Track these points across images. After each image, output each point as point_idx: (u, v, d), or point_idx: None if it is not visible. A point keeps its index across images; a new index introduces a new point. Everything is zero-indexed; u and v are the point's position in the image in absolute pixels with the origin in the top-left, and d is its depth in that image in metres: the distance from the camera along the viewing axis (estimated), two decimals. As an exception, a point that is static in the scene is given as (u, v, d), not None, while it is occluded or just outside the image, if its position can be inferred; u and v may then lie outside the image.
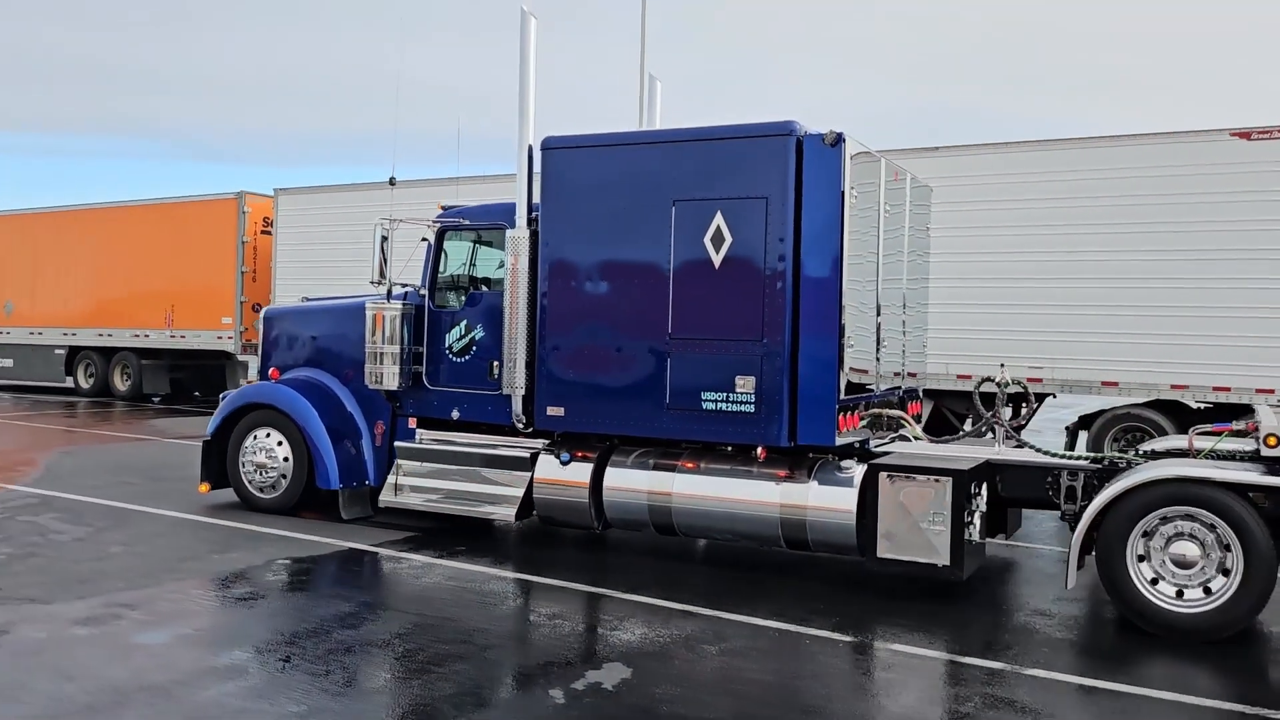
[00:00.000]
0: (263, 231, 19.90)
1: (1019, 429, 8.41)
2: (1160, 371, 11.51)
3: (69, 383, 23.37)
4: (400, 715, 5.08)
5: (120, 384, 22.43)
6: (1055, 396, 12.55)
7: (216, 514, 9.66)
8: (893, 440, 8.63)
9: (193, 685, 5.32)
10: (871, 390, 8.22)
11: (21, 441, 15.20)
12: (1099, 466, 7.45)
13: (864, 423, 8.29)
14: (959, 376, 12.41)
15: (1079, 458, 7.72)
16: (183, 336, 21.02)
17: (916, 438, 8.57)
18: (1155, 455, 7.43)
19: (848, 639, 6.51)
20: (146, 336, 21.57)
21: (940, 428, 12.63)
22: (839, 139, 7.50)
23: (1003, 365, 8.47)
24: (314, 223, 18.43)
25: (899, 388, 8.94)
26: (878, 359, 8.31)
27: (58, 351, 23.16)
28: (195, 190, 21.57)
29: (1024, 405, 8.42)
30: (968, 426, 12.98)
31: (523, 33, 8.72)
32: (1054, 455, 7.74)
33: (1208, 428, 7.48)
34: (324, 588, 7.50)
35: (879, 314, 8.29)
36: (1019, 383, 8.29)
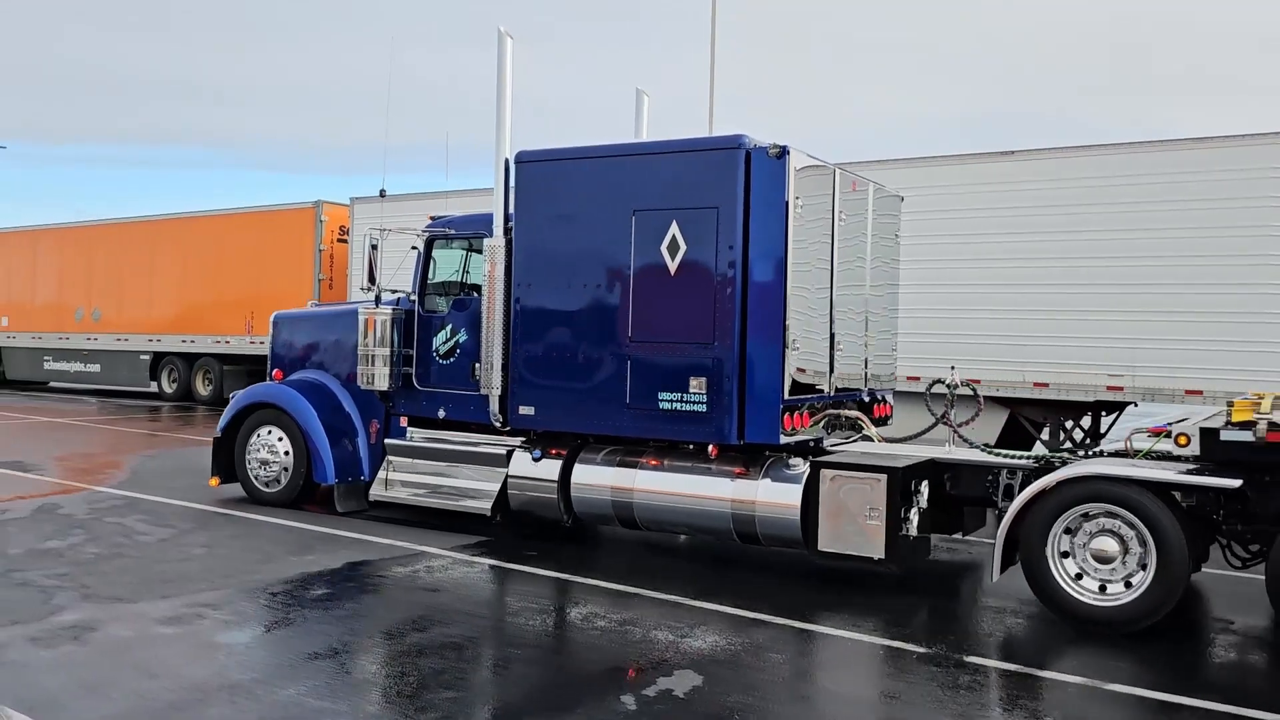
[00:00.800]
0: (339, 239, 20.63)
1: (1099, 436, 8.61)
2: (1242, 380, 11.08)
3: (153, 387, 24.29)
4: (472, 718, 5.16)
5: (202, 389, 23.29)
6: (1136, 405, 12.57)
7: (294, 517, 9.87)
8: (855, 440, 8.97)
9: (272, 684, 5.41)
10: (822, 392, 8.54)
11: (108, 445, 15.85)
12: (1037, 465, 7.71)
13: (821, 423, 8.64)
14: (1035, 384, 12.39)
15: (1020, 457, 7.97)
16: (262, 343, 21.83)
17: (873, 438, 8.88)
18: (1099, 456, 7.67)
19: (921, 649, 6.42)
20: (227, 343, 22.37)
21: (1016, 437, 12.67)
22: (783, 151, 7.88)
23: (953, 368, 8.75)
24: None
25: (859, 390, 9.23)
26: (831, 362, 8.64)
27: (143, 357, 24.06)
28: (273, 200, 22.32)
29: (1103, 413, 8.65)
30: (1044, 435, 13.21)
31: (500, 52, 9.22)
32: (996, 454, 8.02)
33: (1147, 428, 7.70)
34: (398, 591, 7.55)
35: (833, 319, 8.62)
36: (968, 385, 8.57)
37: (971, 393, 8.68)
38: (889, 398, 9.89)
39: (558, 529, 9.27)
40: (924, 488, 7.86)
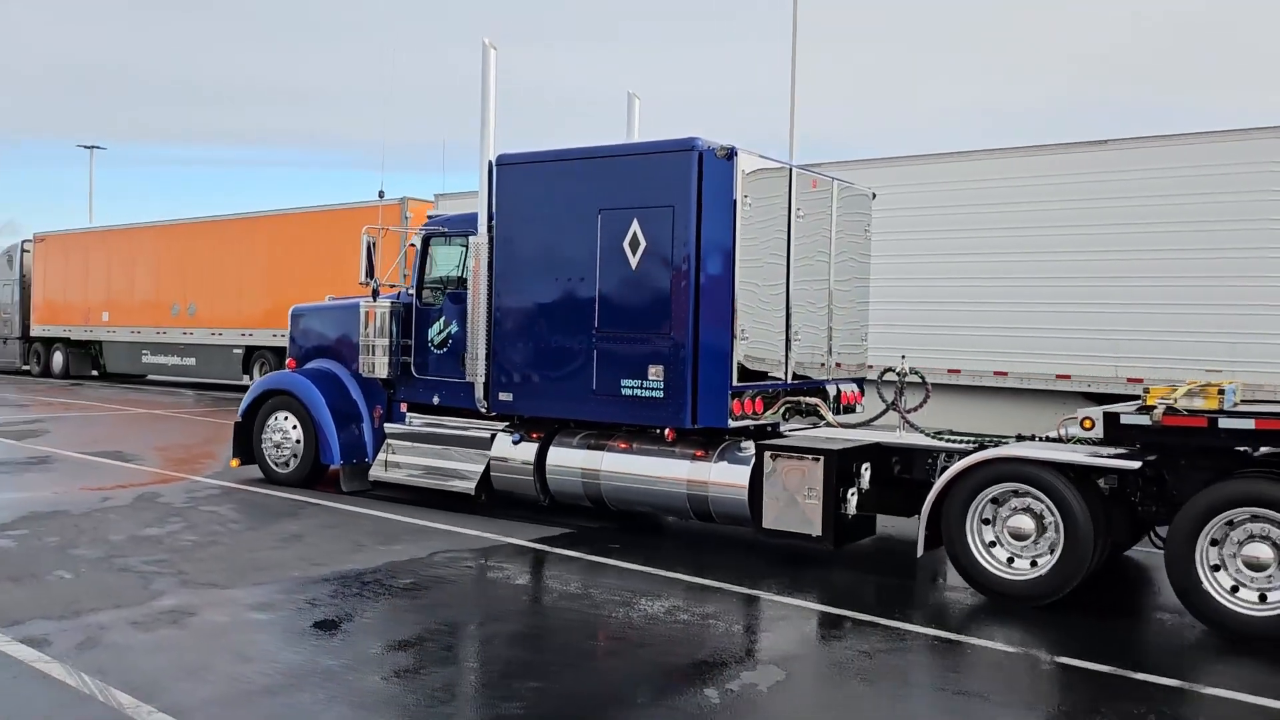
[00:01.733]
0: None
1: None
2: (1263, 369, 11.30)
3: (246, 380, 25.04)
4: (557, 709, 5.18)
5: None
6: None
7: (382, 508, 10.08)
8: (818, 426, 9.44)
9: (361, 671, 5.53)
10: (777, 379, 9.03)
11: (204, 436, 16.41)
12: (975, 448, 8.11)
13: (783, 409, 9.14)
14: (1129, 380, 12.37)
15: (961, 441, 8.36)
16: None
17: (831, 424, 9.34)
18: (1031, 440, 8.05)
19: (1010, 649, 6.36)
20: None
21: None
22: (731, 153, 8.39)
23: (903, 357, 9.17)
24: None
25: (823, 379, 9.69)
26: (787, 352, 9.12)
27: (235, 351, 24.96)
28: (359, 196, 22.87)
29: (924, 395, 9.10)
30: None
31: (484, 63, 9.85)
32: (938, 438, 8.43)
33: (1079, 414, 8.04)
34: (484, 581, 7.68)
35: (789, 311, 9.10)
36: (917, 373, 9.00)
37: (920, 380, 9.10)
38: (854, 387, 10.27)
39: (641, 523, 9.51)
40: (865, 470, 8.30)
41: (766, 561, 8.47)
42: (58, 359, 30.14)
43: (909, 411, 8.96)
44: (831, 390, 9.80)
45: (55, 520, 9.23)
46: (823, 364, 9.71)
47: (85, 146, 54.87)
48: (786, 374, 9.16)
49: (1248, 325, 11.48)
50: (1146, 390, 7.38)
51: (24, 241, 31.59)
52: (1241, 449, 6.88)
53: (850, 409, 10.06)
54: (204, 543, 8.52)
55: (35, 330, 30.66)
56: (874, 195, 10.49)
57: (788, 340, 9.13)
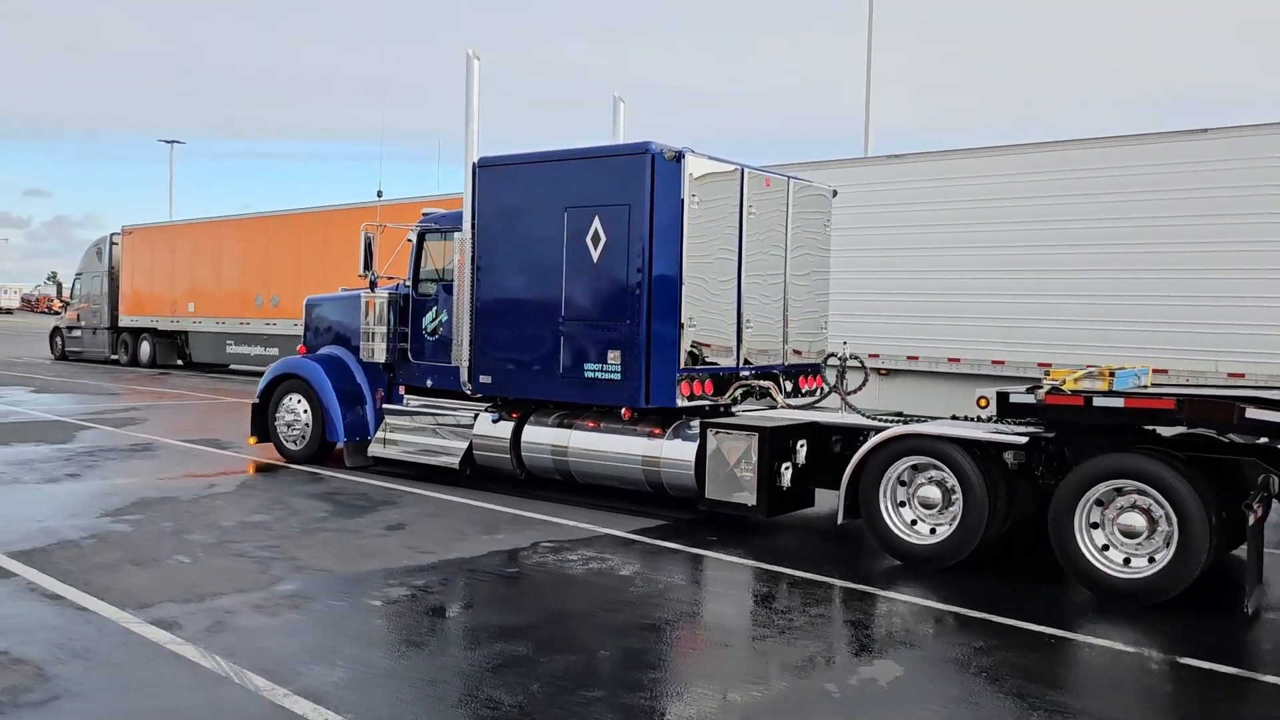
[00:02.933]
0: None
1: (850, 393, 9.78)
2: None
3: None
4: (677, 700, 5.19)
5: None
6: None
7: (480, 497, 10.15)
8: (775, 408, 10.19)
9: (482, 656, 5.67)
10: (728, 364, 9.80)
11: None
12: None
13: (738, 391, 9.93)
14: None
15: (890, 421, 9.06)
16: None
17: (778, 405, 10.10)
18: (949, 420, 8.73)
19: (1131, 649, 6.19)
20: None
21: None
22: (679, 155, 9.18)
23: (845, 343, 9.89)
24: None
25: (774, 364, 10.43)
26: (739, 339, 9.88)
27: None
28: (436, 189, 23.45)
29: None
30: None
31: (467, 73, 10.73)
32: (867, 417, 9.15)
33: (977, 394, 8.67)
34: (589, 572, 7.69)
35: (740, 301, 9.86)
36: (856, 358, 9.73)
37: (859, 364, 9.82)
38: (813, 372, 10.99)
39: (735, 517, 9.32)
40: (800, 446, 9.04)
41: (869, 556, 8.42)
42: (145, 349, 30.88)
43: (849, 394, 9.68)
44: (791, 375, 10.54)
45: (166, 506, 9.53)
46: (777, 350, 10.45)
47: (165, 141, 57.06)
48: (738, 359, 9.93)
49: (1181, 316, 12.00)
50: (1047, 373, 8.05)
51: (112, 234, 32.39)
52: (1149, 428, 7.53)
53: (811, 393, 10.79)
54: (310, 529, 8.72)
55: (123, 321, 31.41)
56: (835, 193, 11.19)
57: (739, 328, 9.90)
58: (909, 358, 13.79)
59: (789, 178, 10.51)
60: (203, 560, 7.59)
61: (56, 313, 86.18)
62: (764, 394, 10.19)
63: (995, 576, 7.79)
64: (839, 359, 9.83)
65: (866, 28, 27.47)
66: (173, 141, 57.52)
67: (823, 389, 10.59)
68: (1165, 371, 11.43)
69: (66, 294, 35.35)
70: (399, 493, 10.34)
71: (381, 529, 8.82)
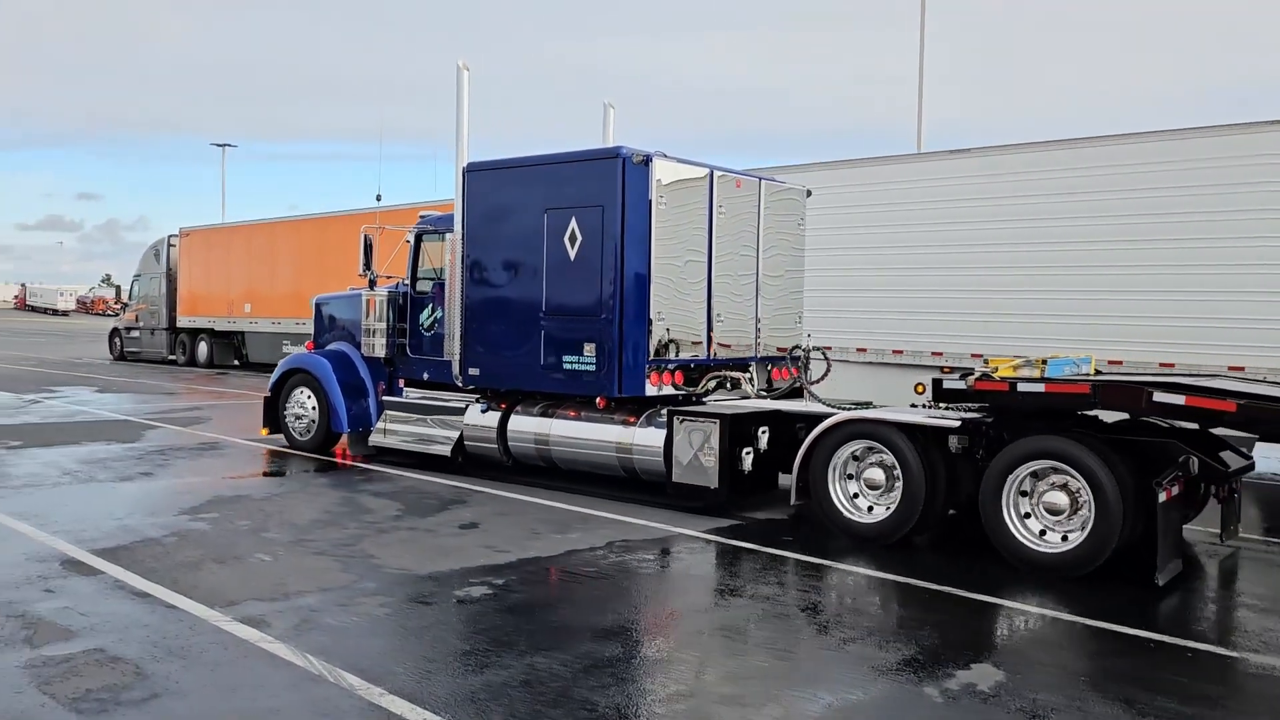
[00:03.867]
0: None
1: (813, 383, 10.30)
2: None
3: None
4: (778, 701, 5.07)
5: None
6: None
7: (552, 496, 10.14)
8: (746, 398, 10.73)
9: (571, 658, 5.57)
10: (698, 356, 10.36)
11: None
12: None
13: (711, 382, 10.49)
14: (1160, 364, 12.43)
15: (845, 408, 9.56)
16: None
17: (750, 395, 10.64)
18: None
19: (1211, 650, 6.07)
20: None
21: None
22: (647, 159, 9.75)
23: (809, 335, 10.41)
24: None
25: (751, 356, 10.97)
26: (709, 332, 10.44)
27: None
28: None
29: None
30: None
31: (458, 83, 11.37)
32: (828, 405, 9.65)
33: (915, 382, 9.18)
34: (669, 571, 7.75)
35: (710, 297, 10.41)
36: (819, 350, 10.26)
37: (821, 356, 10.34)
38: (788, 363, 11.49)
39: (803, 517, 9.47)
40: (762, 433, 9.57)
41: (935, 554, 8.41)
42: (203, 349, 31.23)
43: (812, 384, 10.20)
44: (765, 367, 11.08)
45: (240, 504, 9.60)
46: (749, 344, 10.99)
47: (217, 145, 57.81)
48: (709, 351, 10.48)
49: (1119, 308, 12.43)
50: (986, 362, 8.52)
51: (170, 236, 32.64)
52: (1089, 414, 7.97)
53: (784, 384, 11.30)
54: (385, 528, 8.70)
55: (181, 322, 31.74)
56: (809, 193, 11.71)
57: (709, 322, 10.45)
58: (858, 349, 14.34)
59: (760, 179, 11.05)
60: (283, 558, 7.60)
61: (111, 314, 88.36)
62: (735, 385, 10.73)
63: (1136, 588, 7.43)
64: (802, 350, 10.36)
65: (919, 24, 27.93)
66: (224, 145, 58.06)
67: (794, 379, 11.10)
68: (1120, 362, 11.83)
69: (125, 295, 35.78)
70: (468, 491, 10.39)
71: (455, 528, 8.80)
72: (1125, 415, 7.98)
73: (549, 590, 7.11)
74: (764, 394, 10.94)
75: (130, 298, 34.96)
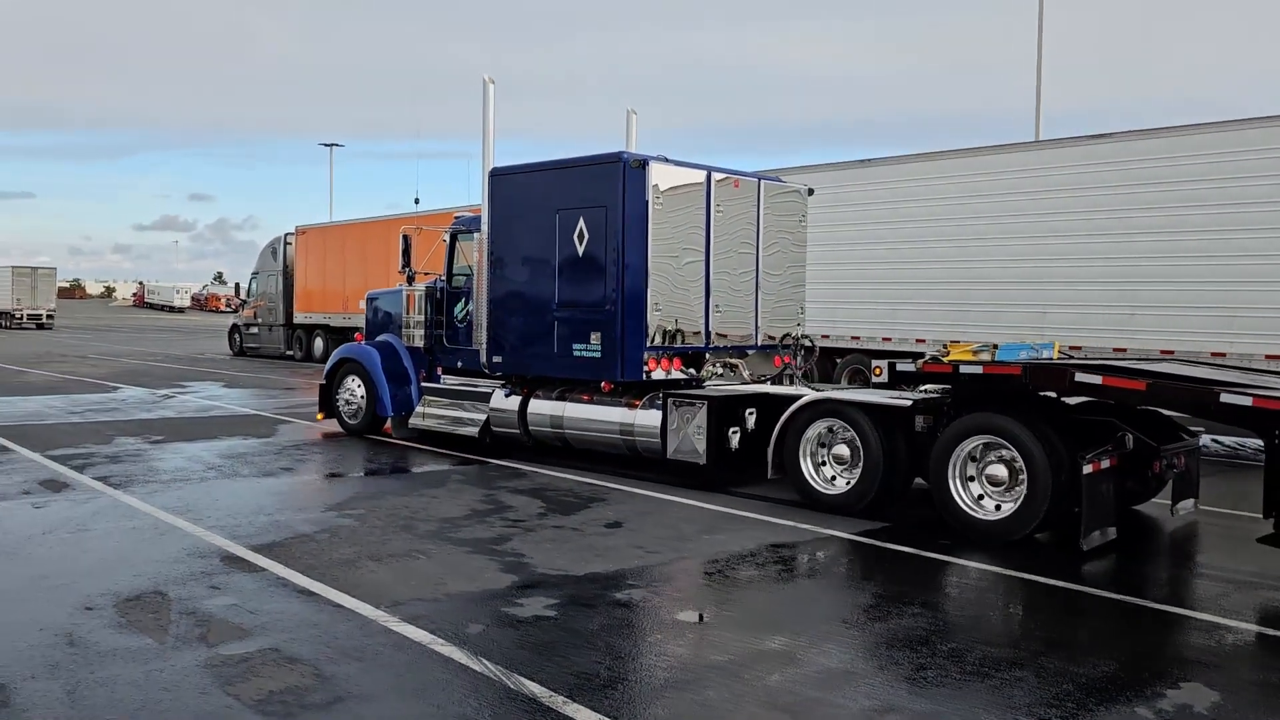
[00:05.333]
0: None
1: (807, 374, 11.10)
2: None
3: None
4: (982, 714, 4.84)
5: None
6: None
7: (685, 494, 9.99)
8: (744, 383, 11.58)
9: (752, 667, 5.34)
10: (698, 345, 11.24)
11: None
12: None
13: (717, 369, 11.39)
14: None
15: (825, 390, 10.34)
16: None
17: (746, 380, 11.48)
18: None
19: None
20: None
21: None
22: (643, 163, 10.66)
23: (799, 325, 11.19)
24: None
25: (748, 345, 11.81)
26: (707, 322, 11.30)
27: None
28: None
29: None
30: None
31: (484, 95, 12.42)
32: (811, 388, 10.45)
33: (874, 364, 9.88)
34: (830, 576, 7.61)
35: (708, 289, 11.27)
36: (808, 338, 11.05)
37: (809, 344, 11.13)
38: (788, 351, 12.29)
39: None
40: (749, 414, 10.41)
41: (1150, 569, 8.09)
42: (318, 344, 31.44)
43: (800, 370, 11.01)
44: (766, 355, 11.91)
45: (383, 500, 9.62)
46: (749, 333, 11.83)
47: (325, 144, 59.22)
48: (707, 340, 11.35)
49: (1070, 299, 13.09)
50: (944, 347, 9.24)
51: (286, 234, 33.12)
52: (1048, 394, 8.64)
53: (782, 370, 12.11)
54: (532, 526, 8.62)
55: (297, 318, 32.20)
56: (811, 191, 12.48)
57: (707, 313, 11.32)
58: (822, 336, 15.15)
59: (760, 179, 11.86)
60: (437, 557, 7.54)
61: (224, 312, 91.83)
62: (735, 370, 11.59)
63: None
64: (793, 339, 11.17)
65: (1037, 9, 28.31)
66: (332, 144, 59.08)
67: (793, 366, 11.89)
68: (1079, 348, 12.43)
69: (243, 293, 36.43)
70: (604, 489, 10.31)
71: (601, 527, 8.68)
72: (1087, 399, 8.64)
73: (712, 595, 6.88)
74: (763, 379, 11.76)
75: (249, 295, 35.61)
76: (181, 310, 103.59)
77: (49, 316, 58.36)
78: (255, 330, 34.58)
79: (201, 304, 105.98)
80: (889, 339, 15.05)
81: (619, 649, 5.67)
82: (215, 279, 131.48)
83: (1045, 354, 9.68)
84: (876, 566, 7.81)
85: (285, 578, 6.89)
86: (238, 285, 39.82)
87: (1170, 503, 9.03)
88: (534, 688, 5.00)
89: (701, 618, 6.28)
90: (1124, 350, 13.52)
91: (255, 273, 34.96)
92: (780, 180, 12.18)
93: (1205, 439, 9.30)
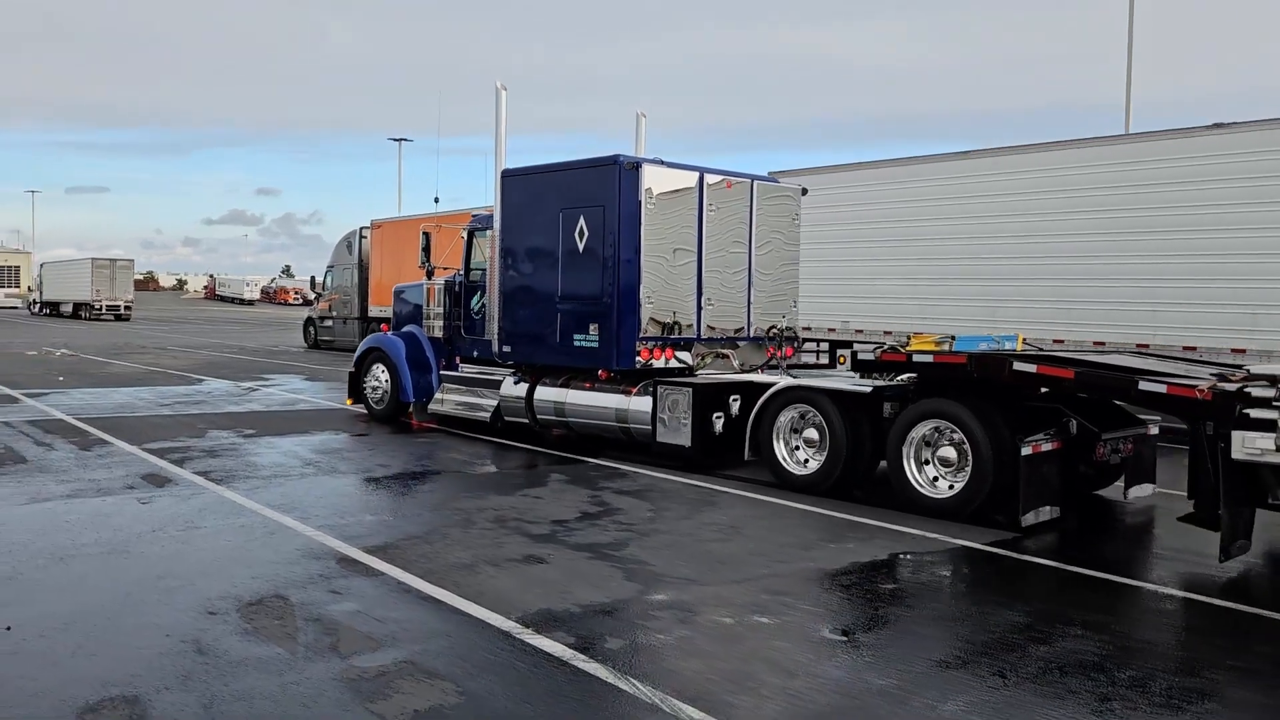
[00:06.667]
0: None
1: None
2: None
3: None
4: None
5: None
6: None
7: (794, 498, 9.67)
8: (734, 372, 12.28)
9: (920, 693, 5.01)
10: (690, 336, 11.96)
11: None
12: (811, 385, 10.76)
13: (705, 357, 12.10)
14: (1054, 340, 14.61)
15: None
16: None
17: (738, 369, 12.18)
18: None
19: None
20: None
21: None
22: (637, 165, 11.40)
23: (784, 316, 11.86)
24: (827, 202, 17.38)
25: (740, 336, 12.50)
26: (699, 314, 12.02)
27: None
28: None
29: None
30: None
31: (497, 100, 13.24)
32: (790, 375, 11.11)
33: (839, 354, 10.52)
34: (975, 590, 7.23)
35: (700, 283, 11.99)
36: (791, 329, 11.73)
37: (794, 335, 11.81)
38: (787, 342, 12.98)
39: (1091, 525, 9.04)
40: (734, 400, 11.11)
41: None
42: None
43: (784, 359, 11.69)
44: (761, 345, 12.61)
45: (488, 499, 9.48)
46: (742, 326, 12.52)
47: (394, 139, 59.66)
48: (699, 330, 12.07)
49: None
50: (908, 338, 9.87)
51: (361, 228, 33.13)
52: (997, 382, 9.22)
53: (775, 359, 12.79)
54: (645, 531, 8.33)
55: (373, 311, 31.68)
56: (805, 191, 13.13)
57: (699, 306, 12.03)
58: (804, 328, 15.73)
59: (752, 179, 12.54)
60: (558, 562, 7.27)
61: (292, 304, 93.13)
62: (726, 360, 12.29)
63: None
64: (778, 330, 11.85)
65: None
66: (401, 139, 59.54)
67: (778, 356, 12.56)
68: (1061, 341, 12.90)
69: (318, 286, 36.37)
70: (712, 492, 10.04)
71: (716, 532, 8.35)
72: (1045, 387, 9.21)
73: (857, 610, 6.47)
74: (754, 368, 12.44)
75: (324, 288, 35.57)
76: (251, 303, 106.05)
77: (127, 308, 60.33)
78: (330, 323, 34.62)
79: (271, 296, 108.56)
80: (889, 333, 15.66)
81: (769, 668, 5.31)
82: (283, 272, 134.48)
83: (1008, 345, 10.24)
84: (1019, 581, 7.39)
85: (406, 582, 6.67)
86: (313, 279, 39.70)
87: (1123, 486, 9.59)
88: (691, 711, 4.71)
89: (848, 635, 5.87)
90: (1147, 345, 13.82)
91: (330, 266, 35.00)
92: (775, 181, 12.84)
93: (1155, 429, 9.78)
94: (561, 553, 7.56)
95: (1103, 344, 14.08)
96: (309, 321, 36.69)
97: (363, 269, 32.72)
